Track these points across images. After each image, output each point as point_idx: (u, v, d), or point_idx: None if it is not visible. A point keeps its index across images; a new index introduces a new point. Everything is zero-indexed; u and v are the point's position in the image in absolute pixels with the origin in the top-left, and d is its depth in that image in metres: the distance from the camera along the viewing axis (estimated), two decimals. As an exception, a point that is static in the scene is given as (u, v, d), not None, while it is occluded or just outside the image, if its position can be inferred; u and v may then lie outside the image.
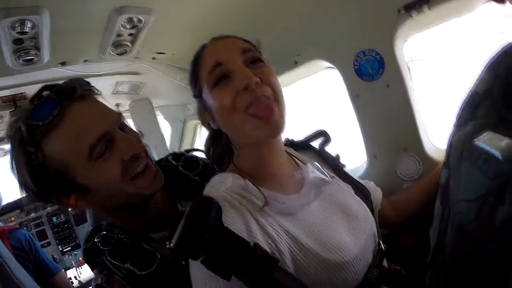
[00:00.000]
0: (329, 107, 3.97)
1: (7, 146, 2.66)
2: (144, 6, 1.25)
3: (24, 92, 2.13)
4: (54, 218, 3.52)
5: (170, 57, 1.84)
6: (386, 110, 1.41)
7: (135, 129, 1.05)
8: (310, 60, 1.58)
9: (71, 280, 3.28)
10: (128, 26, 1.32)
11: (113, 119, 0.95)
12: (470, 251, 0.74)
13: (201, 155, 1.21)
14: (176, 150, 2.72)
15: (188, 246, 0.69)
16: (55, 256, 3.46)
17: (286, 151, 1.02)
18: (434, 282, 0.89)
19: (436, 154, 1.38)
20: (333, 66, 1.51)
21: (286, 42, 1.59)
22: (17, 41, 1.26)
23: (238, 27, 1.52)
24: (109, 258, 0.96)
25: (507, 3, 0.79)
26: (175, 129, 2.81)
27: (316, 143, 1.18)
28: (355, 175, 1.52)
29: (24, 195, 0.95)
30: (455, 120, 0.93)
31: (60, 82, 0.95)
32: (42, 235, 3.49)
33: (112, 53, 1.48)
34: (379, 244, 0.97)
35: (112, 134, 0.92)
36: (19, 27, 1.17)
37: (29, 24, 1.17)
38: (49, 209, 3.52)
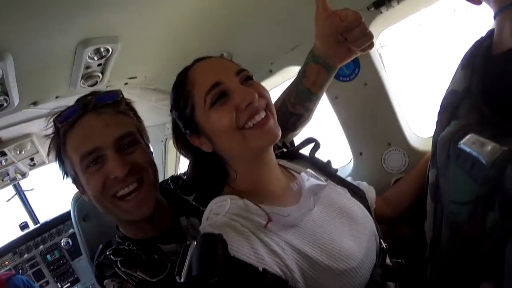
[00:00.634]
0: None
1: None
2: (109, 35, 1.23)
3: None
4: (48, 256, 3.43)
5: (143, 80, 1.81)
6: (366, 108, 1.42)
7: None
8: (285, 67, 1.58)
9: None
10: (95, 57, 1.29)
11: (107, 138, 1.03)
12: (466, 249, 0.74)
13: None
14: (161, 171, 2.73)
15: (200, 284, 0.71)
16: (55, 294, 3.37)
17: (279, 163, 1.02)
18: (434, 276, 0.89)
19: (420, 144, 1.40)
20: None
21: (259, 52, 1.59)
22: (-17, 89, 1.22)
23: (208, 42, 1.52)
24: (120, 267, 1.02)
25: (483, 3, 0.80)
26: (157, 149, 2.77)
27: (306, 151, 1.19)
28: (344, 174, 1.53)
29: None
30: (437, 118, 0.93)
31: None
32: (39, 275, 3.39)
33: (83, 85, 1.45)
34: (380, 243, 0.98)
35: (102, 152, 1.02)
36: (-17, 76, 1.13)
37: (-8, 71, 1.14)
38: (41, 247, 3.43)
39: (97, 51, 1.27)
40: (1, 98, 1.29)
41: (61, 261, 3.47)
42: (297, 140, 1.26)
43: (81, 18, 1.09)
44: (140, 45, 1.43)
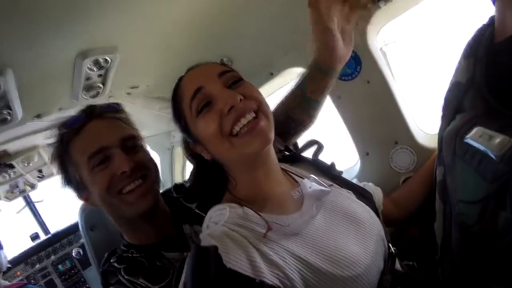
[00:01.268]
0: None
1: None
2: (107, 45, 1.23)
3: (5, 149, 2.11)
4: (59, 266, 3.44)
5: (145, 89, 1.82)
6: (370, 106, 1.39)
7: None
8: (286, 68, 1.56)
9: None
10: (95, 69, 1.30)
11: (113, 138, 1.09)
12: (478, 251, 0.71)
13: None
14: (168, 178, 2.74)
15: None
16: (68, 304, 3.39)
17: (281, 167, 0.99)
18: (446, 280, 0.86)
19: (428, 141, 1.36)
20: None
21: (259, 55, 1.57)
22: (-15, 105, 1.23)
23: (207, 47, 1.51)
24: (124, 275, 1.03)
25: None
26: (163, 157, 2.79)
27: (309, 153, 1.16)
28: (350, 176, 1.51)
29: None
30: (442, 112, 0.90)
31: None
32: (51, 285, 3.39)
33: (85, 97, 1.45)
34: (389, 247, 0.93)
35: (109, 151, 1.07)
36: (-16, 92, 1.14)
37: (-7, 86, 1.14)
38: (53, 257, 3.45)
39: (96, 62, 1.27)
40: (5, 112, 1.30)
41: (73, 271, 3.48)
42: (300, 142, 1.24)
43: (78, 29, 1.09)
44: (140, 54, 1.42)
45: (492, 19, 0.80)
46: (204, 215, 0.94)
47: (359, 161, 1.53)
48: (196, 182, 1.01)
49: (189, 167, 2.79)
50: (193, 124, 0.88)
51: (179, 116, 0.93)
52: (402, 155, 1.38)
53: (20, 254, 3.38)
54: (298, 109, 1.14)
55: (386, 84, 1.33)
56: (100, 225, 1.64)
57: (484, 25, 0.82)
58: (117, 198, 1.08)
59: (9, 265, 2.83)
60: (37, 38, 1.06)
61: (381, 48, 1.35)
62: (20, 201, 3.65)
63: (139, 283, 1.02)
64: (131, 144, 1.13)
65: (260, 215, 0.83)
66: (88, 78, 1.34)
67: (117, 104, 1.23)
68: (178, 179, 2.77)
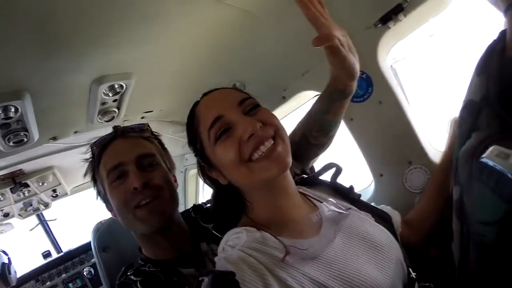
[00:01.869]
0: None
1: (11, 220, 2.65)
2: (122, 71, 1.26)
3: (21, 169, 2.15)
4: (70, 284, 3.41)
5: (159, 114, 1.85)
6: (383, 127, 1.38)
7: None
8: (298, 92, 1.57)
9: None
10: (110, 94, 1.33)
11: (130, 155, 1.15)
12: (497, 270, 0.69)
13: None
14: (182, 201, 2.75)
15: None
16: (78, 324, 3.36)
17: (299, 191, 0.98)
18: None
19: (442, 159, 1.34)
20: (322, 93, 1.49)
21: (272, 79, 1.59)
22: (3, 126, 1.25)
23: (220, 73, 1.53)
24: (139, 287, 1.05)
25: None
26: (177, 180, 2.79)
27: (326, 176, 1.15)
28: (364, 198, 1.48)
29: None
30: (457, 131, 0.89)
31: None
32: (61, 303, 3.40)
33: (100, 121, 1.48)
34: (409, 272, 0.91)
35: (125, 167, 1.13)
36: (2, 114, 1.17)
37: (12, 109, 1.18)
38: (64, 275, 3.45)
39: (112, 87, 1.30)
40: (22, 134, 1.34)
41: (83, 290, 3.47)
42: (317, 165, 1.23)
43: (95, 56, 1.13)
44: (154, 80, 1.45)
45: (502, 34, 0.78)
46: (220, 236, 0.94)
47: (373, 182, 1.51)
48: (216, 205, 1.01)
49: (202, 189, 2.83)
50: (211, 151, 0.88)
51: (195, 141, 0.93)
52: (416, 175, 1.36)
53: (31, 271, 3.37)
54: (318, 133, 1.15)
55: (398, 104, 1.33)
56: (113, 247, 1.63)
57: (494, 40, 0.80)
58: (132, 214, 1.12)
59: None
60: (55, 65, 1.10)
61: (391, 66, 1.35)
62: (33, 219, 3.68)
63: None
64: (148, 162, 1.18)
65: (278, 239, 0.82)
66: (103, 103, 1.37)
67: (143, 124, 1.31)
68: (191, 201, 2.79)
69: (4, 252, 2.44)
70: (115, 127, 1.25)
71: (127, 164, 1.13)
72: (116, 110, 1.47)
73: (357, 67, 1.00)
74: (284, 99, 1.62)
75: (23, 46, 0.96)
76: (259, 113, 0.87)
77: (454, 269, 0.89)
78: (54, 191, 2.66)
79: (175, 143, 2.03)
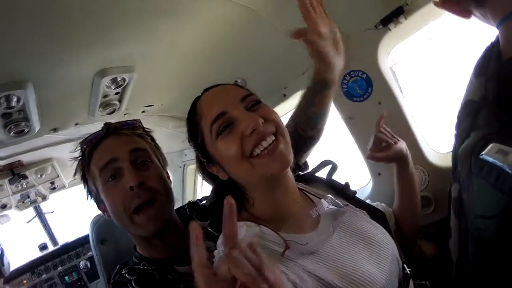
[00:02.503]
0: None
1: (8, 212, 2.64)
2: (125, 65, 1.26)
3: (20, 160, 2.15)
4: (66, 277, 3.40)
5: (159, 108, 1.85)
6: (382, 127, 1.39)
7: None
8: (298, 90, 1.56)
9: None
10: (112, 87, 1.33)
11: (123, 150, 1.12)
12: (496, 267, 0.70)
13: None
14: (180, 196, 2.75)
15: None
16: (72, 317, 3.37)
17: (298, 187, 0.99)
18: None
19: (440, 160, 1.37)
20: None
21: (272, 77, 1.60)
22: (5, 115, 1.26)
23: (222, 69, 1.54)
24: (134, 286, 1.04)
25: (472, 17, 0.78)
26: (175, 175, 2.81)
27: (323, 173, 1.16)
28: (362, 196, 1.50)
29: None
30: (455, 130, 0.90)
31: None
32: (56, 296, 3.41)
33: (101, 113, 1.49)
34: (404, 268, 0.93)
35: (119, 163, 1.10)
36: (5, 103, 1.18)
37: (14, 98, 1.18)
38: (60, 268, 3.45)
39: (114, 80, 1.31)
40: (23, 124, 1.34)
41: (79, 283, 3.45)
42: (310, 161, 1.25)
43: (98, 49, 1.13)
44: (156, 74, 1.46)
45: (498, 38, 0.80)
46: (216, 234, 0.94)
47: (371, 181, 1.53)
48: (216, 201, 1.01)
49: (199, 185, 2.82)
50: (212, 146, 0.88)
51: (195, 136, 0.93)
52: (414, 174, 1.38)
53: (27, 263, 3.37)
54: (306, 126, 1.16)
55: (397, 105, 1.34)
56: (111, 239, 1.64)
57: (491, 43, 0.82)
58: (130, 219, 1.10)
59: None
60: (58, 56, 1.11)
61: (390, 67, 1.36)
62: (30, 211, 3.68)
63: None
64: (142, 158, 1.15)
65: (278, 233, 0.83)
66: (105, 96, 1.38)
67: (135, 120, 1.27)
68: (189, 197, 2.79)
69: (-4, 243, 2.43)
70: (106, 124, 1.21)
71: (120, 160, 1.10)
72: (118, 103, 1.47)
73: (337, 60, 1.05)
74: (284, 96, 1.64)
75: (28, 37, 0.97)
76: (261, 110, 0.88)
77: (452, 266, 0.90)
78: (52, 183, 2.66)
79: (175, 138, 2.04)
